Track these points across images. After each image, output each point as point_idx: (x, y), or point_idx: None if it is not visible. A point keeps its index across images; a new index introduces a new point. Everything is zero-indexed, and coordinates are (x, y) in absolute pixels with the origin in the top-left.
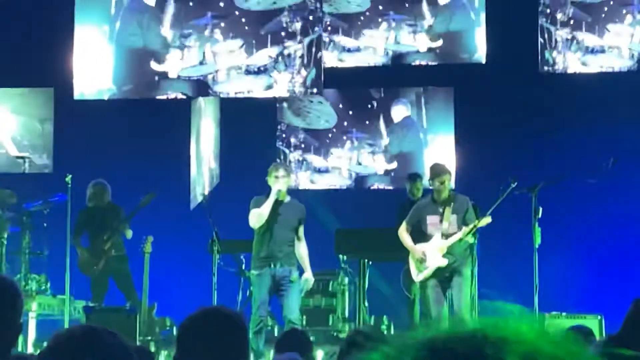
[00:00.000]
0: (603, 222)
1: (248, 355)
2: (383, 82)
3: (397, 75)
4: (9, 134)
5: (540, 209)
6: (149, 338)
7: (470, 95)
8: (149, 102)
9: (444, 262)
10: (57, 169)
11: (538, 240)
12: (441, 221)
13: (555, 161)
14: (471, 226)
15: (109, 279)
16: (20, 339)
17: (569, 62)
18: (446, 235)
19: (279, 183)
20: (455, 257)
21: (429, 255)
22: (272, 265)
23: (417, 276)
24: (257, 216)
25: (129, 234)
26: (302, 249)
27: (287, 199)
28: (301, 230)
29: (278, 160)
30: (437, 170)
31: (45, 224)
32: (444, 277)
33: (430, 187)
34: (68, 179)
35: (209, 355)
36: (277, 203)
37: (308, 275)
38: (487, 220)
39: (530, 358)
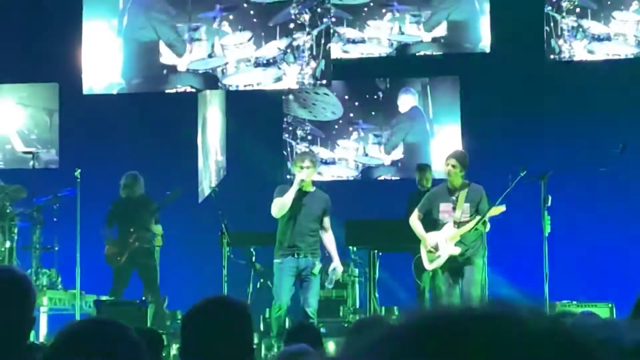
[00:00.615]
0: (613, 209)
1: (253, 342)
2: (388, 73)
3: (402, 65)
4: (15, 129)
5: (550, 197)
6: (160, 331)
7: (476, 84)
8: (158, 96)
9: (456, 251)
10: (65, 164)
11: (548, 229)
12: (454, 209)
13: (563, 149)
14: (484, 215)
15: (132, 272)
16: (32, 333)
17: (575, 50)
18: (459, 224)
19: (302, 173)
20: (467, 246)
21: (442, 243)
22: (295, 255)
23: (429, 265)
24: (280, 205)
25: (157, 230)
26: (327, 239)
27: (312, 189)
28: (327, 220)
29: (305, 150)
30: (449, 154)
31: (55, 219)
32: (456, 265)
33: (442, 177)
34: (77, 173)
35: (214, 344)
36: (302, 193)
37: (336, 264)
38: (500, 209)
39: (524, 340)
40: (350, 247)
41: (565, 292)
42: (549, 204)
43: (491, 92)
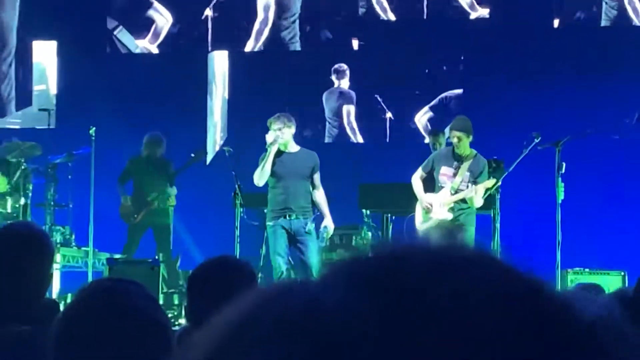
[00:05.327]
0: (627, 177)
1: None
2: None
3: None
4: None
5: (564, 164)
6: (173, 290)
7: (484, 49)
8: (169, 56)
9: (448, 216)
10: (81, 122)
11: (561, 196)
12: (455, 175)
13: (579, 116)
14: (480, 187)
15: (145, 231)
16: None
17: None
18: (456, 190)
19: (275, 135)
20: (460, 212)
21: (435, 206)
22: (287, 217)
23: (420, 224)
24: (258, 175)
25: (172, 191)
26: (319, 197)
27: (296, 149)
28: (317, 177)
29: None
30: (452, 125)
31: (69, 176)
32: (448, 229)
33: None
34: (92, 131)
35: (218, 304)
36: (286, 155)
37: (328, 222)
38: (491, 182)
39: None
40: (364, 211)
41: (578, 260)
42: (563, 170)
43: (501, 58)
